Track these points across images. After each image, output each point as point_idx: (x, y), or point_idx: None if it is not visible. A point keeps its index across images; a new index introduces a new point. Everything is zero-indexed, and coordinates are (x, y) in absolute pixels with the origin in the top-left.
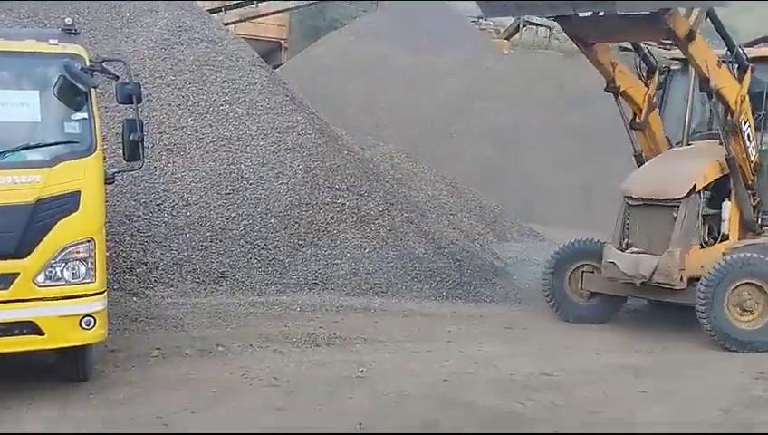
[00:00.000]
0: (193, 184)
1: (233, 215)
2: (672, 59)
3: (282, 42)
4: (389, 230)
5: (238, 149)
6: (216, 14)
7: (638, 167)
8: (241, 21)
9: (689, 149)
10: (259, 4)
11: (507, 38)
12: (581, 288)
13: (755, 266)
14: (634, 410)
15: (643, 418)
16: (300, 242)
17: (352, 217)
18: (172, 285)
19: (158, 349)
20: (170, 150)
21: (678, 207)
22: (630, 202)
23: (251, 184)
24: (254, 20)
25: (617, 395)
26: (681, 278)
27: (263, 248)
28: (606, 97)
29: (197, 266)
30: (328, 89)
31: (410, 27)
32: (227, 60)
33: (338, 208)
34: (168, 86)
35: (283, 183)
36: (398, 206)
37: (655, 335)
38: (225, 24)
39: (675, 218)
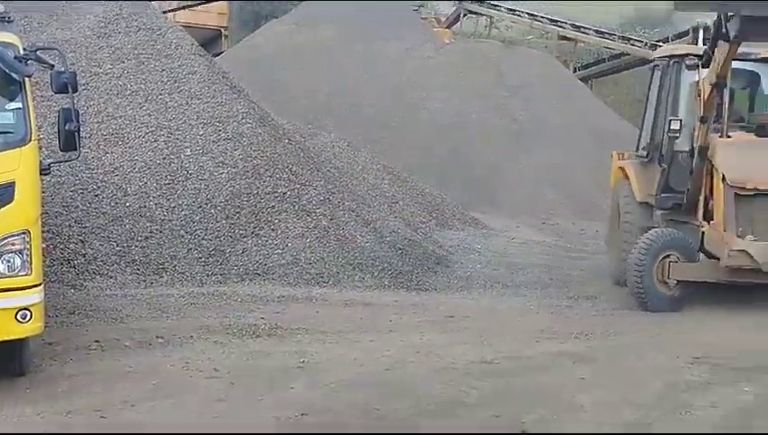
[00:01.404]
0: (132, 174)
1: (173, 205)
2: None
3: (222, 30)
4: (331, 219)
5: (178, 139)
6: (154, 2)
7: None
8: (180, 9)
9: (754, 141)
10: None
11: (448, 27)
12: (669, 278)
13: None
14: (572, 396)
15: (581, 403)
16: (241, 232)
17: (293, 207)
18: (111, 277)
19: (97, 341)
20: (108, 140)
21: None
22: (742, 193)
23: (191, 174)
24: (193, 8)
25: (556, 381)
26: None
27: (203, 239)
28: (544, 87)
29: (137, 258)
30: (269, 78)
31: (351, 16)
32: (166, 48)
33: (279, 198)
34: (106, 75)
35: (223, 173)
36: (340, 195)
37: (593, 322)
38: (164, 12)
39: None
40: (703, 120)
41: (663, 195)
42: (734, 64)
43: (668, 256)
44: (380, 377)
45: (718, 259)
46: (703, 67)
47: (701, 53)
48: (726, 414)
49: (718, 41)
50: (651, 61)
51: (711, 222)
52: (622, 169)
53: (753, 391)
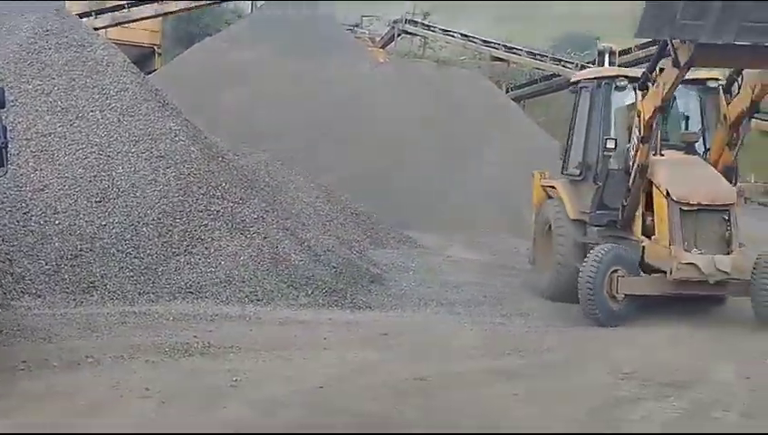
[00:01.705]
0: (62, 192)
1: (103, 223)
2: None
3: (155, 47)
4: (265, 238)
5: (109, 156)
6: (85, 19)
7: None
8: (112, 25)
9: (685, 160)
10: (131, 9)
11: (383, 47)
12: (617, 292)
13: None
14: (505, 412)
15: (513, 419)
16: (173, 250)
17: (227, 225)
18: (40, 296)
19: (25, 362)
20: (38, 157)
21: (730, 211)
22: (686, 208)
23: (122, 191)
24: (125, 25)
25: (489, 398)
26: None
27: (135, 257)
28: (478, 106)
29: (66, 276)
30: (202, 95)
31: (285, 34)
32: (97, 65)
33: (212, 216)
34: (35, 91)
35: (155, 190)
36: (274, 213)
37: (526, 339)
38: (96, 29)
39: (726, 221)
40: (643, 140)
41: (598, 212)
42: None
43: (616, 270)
44: (314, 395)
45: (659, 272)
46: (639, 89)
47: (630, 74)
48: (656, 428)
49: (659, 63)
50: (575, 83)
51: (652, 237)
52: (552, 187)
53: (681, 405)
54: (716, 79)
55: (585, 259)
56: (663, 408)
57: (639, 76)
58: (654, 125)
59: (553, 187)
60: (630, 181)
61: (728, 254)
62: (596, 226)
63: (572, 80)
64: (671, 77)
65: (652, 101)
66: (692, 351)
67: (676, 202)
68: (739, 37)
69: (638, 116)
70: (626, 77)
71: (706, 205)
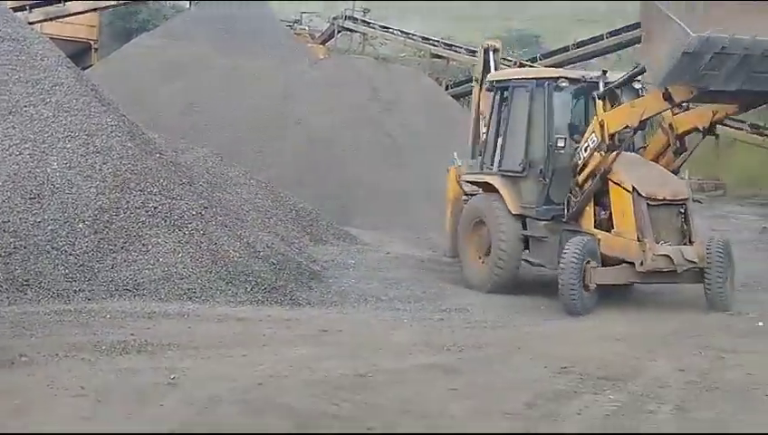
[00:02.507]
0: None
1: (38, 220)
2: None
3: (92, 42)
4: (203, 234)
5: (44, 152)
6: (19, 13)
7: None
8: (47, 20)
9: (631, 157)
10: (66, 3)
11: (322, 43)
12: (591, 282)
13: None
14: (444, 407)
15: (452, 413)
16: (110, 247)
17: (165, 222)
18: None
19: None
20: None
21: (686, 204)
22: (651, 203)
23: (57, 188)
24: (61, 19)
25: (427, 393)
26: None
27: (70, 254)
28: (417, 103)
29: None
30: (139, 91)
31: (224, 30)
32: (31, 59)
33: (149, 213)
34: None
35: (91, 187)
36: (212, 209)
37: (465, 334)
38: (30, 23)
39: (683, 214)
40: (609, 148)
41: (545, 207)
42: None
43: (588, 262)
44: (253, 392)
45: (620, 263)
46: (599, 98)
47: (570, 75)
48: (592, 421)
49: (633, 80)
50: (500, 81)
51: (612, 230)
52: (485, 183)
53: (618, 398)
54: (638, 81)
55: (563, 253)
56: (600, 401)
57: (578, 78)
58: (618, 137)
59: (487, 182)
60: (582, 178)
61: (687, 244)
62: (542, 220)
63: (492, 78)
64: (658, 108)
65: (623, 118)
66: (629, 344)
67: (644, 198)
68: (744, 85)
69: (601, 126)
70: (567, 78)
71: (670, 200)
